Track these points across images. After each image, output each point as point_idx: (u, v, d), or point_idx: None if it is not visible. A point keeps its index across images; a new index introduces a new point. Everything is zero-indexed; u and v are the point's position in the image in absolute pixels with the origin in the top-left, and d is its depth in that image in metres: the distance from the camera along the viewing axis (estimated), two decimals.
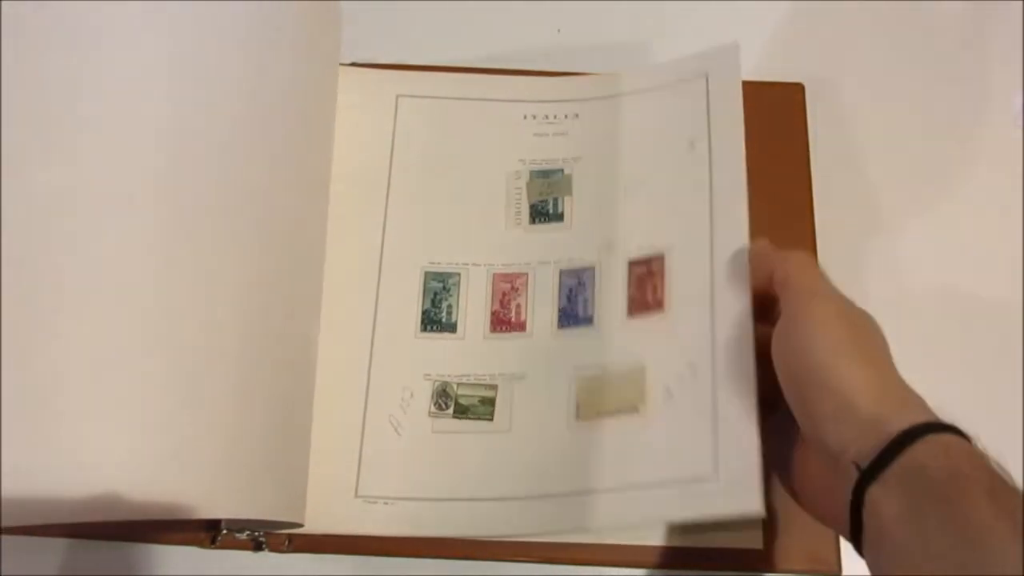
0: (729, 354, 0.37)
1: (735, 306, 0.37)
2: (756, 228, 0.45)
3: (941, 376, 0.44)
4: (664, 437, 0.37)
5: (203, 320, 0.33)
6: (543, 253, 0.44)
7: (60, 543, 0.40)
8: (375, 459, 0.40)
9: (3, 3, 0.33)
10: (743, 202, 0.39)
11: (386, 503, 0.39)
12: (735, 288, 0.38)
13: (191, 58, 0.37)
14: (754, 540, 0.40)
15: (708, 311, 0.38)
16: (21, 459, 0.29)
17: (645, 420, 0.38)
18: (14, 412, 0.29)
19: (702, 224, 0.40)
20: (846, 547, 0.40)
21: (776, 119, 0.48)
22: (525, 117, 0.47)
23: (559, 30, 0.51)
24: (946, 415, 0.43)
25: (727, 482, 0.34)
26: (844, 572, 0.40)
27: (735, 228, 0.39)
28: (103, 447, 0.30)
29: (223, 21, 0.38)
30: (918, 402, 0.32)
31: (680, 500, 0.35)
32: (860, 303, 0.45)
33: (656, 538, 0.40)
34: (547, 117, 0.47)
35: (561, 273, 0.43)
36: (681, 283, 0.40)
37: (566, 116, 0.47)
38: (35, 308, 0.31)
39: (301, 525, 0.36)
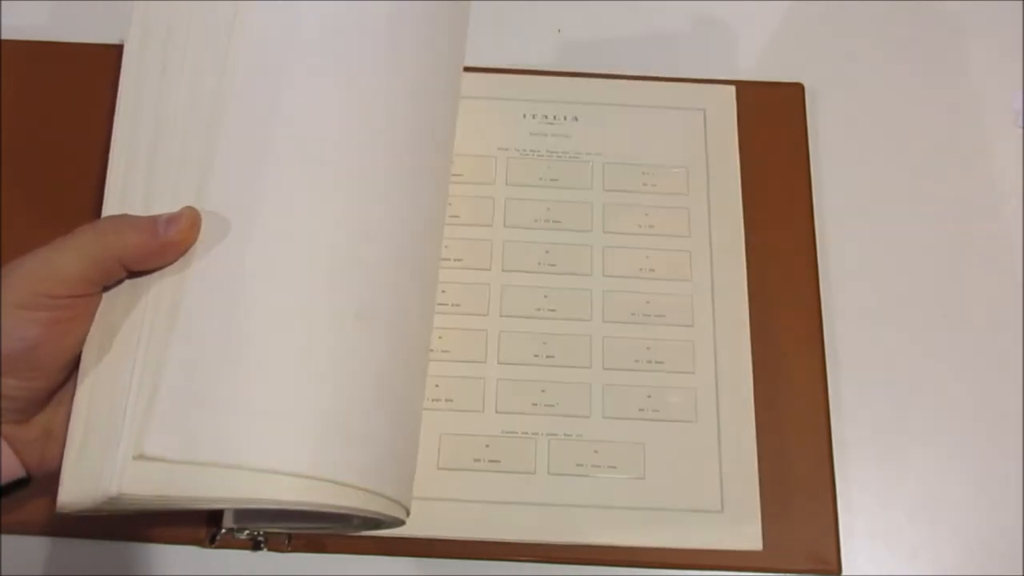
0: (732, 398, 0.42)
1: (737, 349, 0.43)
2: (756, 229, 0.45)
3: (942, 376, 0.45)
4: (673, 466, 0.41)
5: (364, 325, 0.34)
6: None
7: (60, 543, 0.40)
8: None
9: None
10: (740, 244, 0.45)
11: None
12: (736, 332, 0.43)
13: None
14: (753, 541, 0.40)
15: (712, 360, 0.43)
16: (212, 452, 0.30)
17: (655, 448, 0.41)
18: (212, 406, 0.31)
19: (703, 266, 0.44)
20: (846, 547, 0.40)
21: (776, 119, 0.48)
22: (524, 116, 0.47)
23: (559, 30, 0.51)
24: (949, 416, 0.44)
25: (732, 518, 0.40)
26: (844, 572, 0.40)
27: (734, 271, 0.44)
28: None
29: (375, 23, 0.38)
30: None
31: (687, 527, 0.40)
32: (860, 303, 0.46)
33: (657, 539, 0.40)
34: (546, 117, 0.47)
35: None
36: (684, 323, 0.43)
37: (565, 118, 0.47)
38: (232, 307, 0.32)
39: (403, 523, 0.36)
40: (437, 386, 0.42)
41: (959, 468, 0.43)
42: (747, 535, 0.40)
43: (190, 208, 0.33)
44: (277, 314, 0.32)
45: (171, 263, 0.32)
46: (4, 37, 0.48)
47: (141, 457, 0.29)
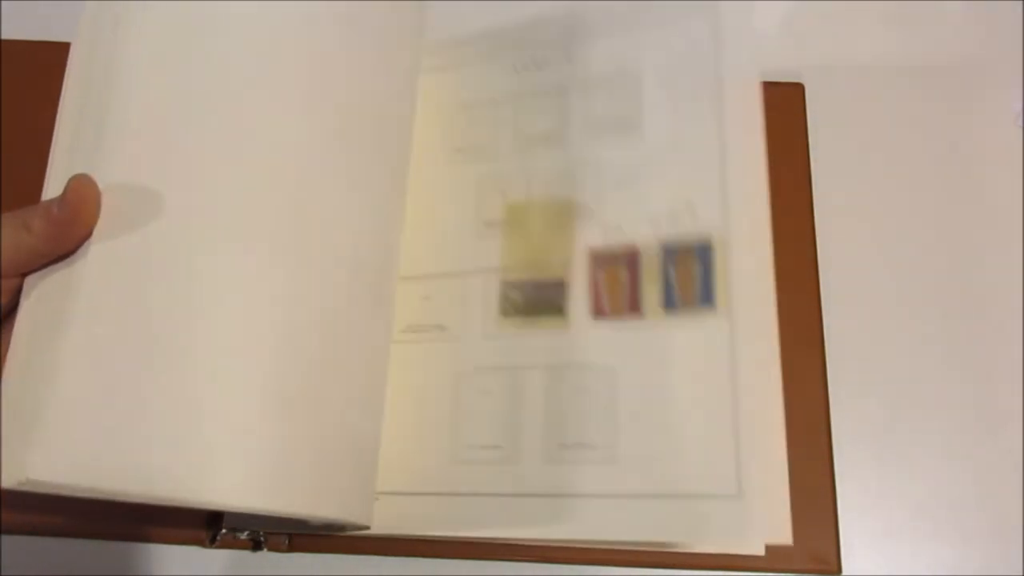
0: (753, 365, 0.35)
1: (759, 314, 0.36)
2: None
3: (942, 375, 0.44)
4: (686, 453, 0.35)
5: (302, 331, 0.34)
6: None
7: (60, 543, 0.40)
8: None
9: None
10: (764, 184, 0.37)
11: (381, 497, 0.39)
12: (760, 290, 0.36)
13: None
14: (756, 546, 0.39)
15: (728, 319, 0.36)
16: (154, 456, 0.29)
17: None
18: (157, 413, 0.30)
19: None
20: (846, 547, 0.40)
21: (776, 119, 0.48)
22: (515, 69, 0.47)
23: None
24: (949, 416, 0.44)
25: (751, 504, 0.33)
26: (844, 572, 0.40)
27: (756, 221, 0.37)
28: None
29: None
30: None
31: (693, 517, 0.34)
32: (859, 303, 0.46)
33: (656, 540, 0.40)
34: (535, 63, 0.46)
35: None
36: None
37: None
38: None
39: (368, 527, 0.36)
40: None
41: (959, 468, 0.43)
42: (772, 526, 0.34)
43: (77, 177, 0.31)
44: (208, 298, 0.31)
45: (82, 240, 0.31)
46: (4, 37, 0.48)
47: (52, 446, 0.28)
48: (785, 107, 0.48)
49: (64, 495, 0.29)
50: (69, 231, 0.31)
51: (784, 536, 0.32)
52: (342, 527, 0.35)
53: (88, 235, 0.31)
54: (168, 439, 0.30)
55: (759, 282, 0.36)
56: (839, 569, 0.40)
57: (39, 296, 0.31)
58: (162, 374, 0.30)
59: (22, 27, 0.49)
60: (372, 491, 0.36)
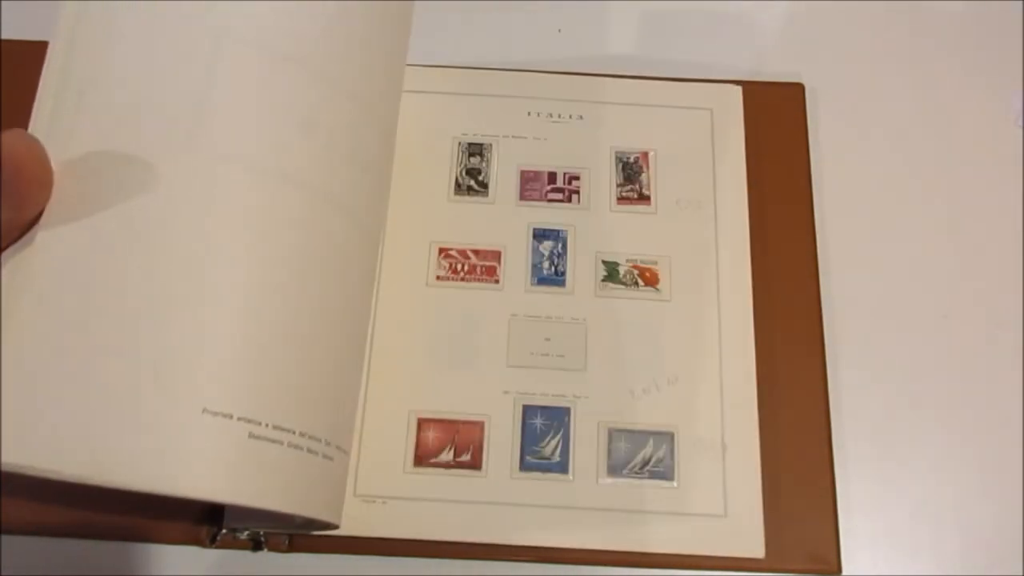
0: (736, 413, 0.41)
1: (742, 372, 0.42)
2: (755, 228, 0.45)
3: (942, 376, 0.45)
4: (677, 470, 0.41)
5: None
6: None
7: (60, 543, 0.40)
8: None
9: None
10: (745, 244, 0.44)
11: (384, 502, 0.39)
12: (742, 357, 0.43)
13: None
14: (756, 548, 0.40)
15: (718, 383, 0.42)
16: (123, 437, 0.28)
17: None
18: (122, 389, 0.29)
19: (709, 266, 0.44)
20: (846, 547, 0.40)
21: (776, 119, 0.48)
22: (529, 114, 0.47)
23: (559, 30, 0.51)
24: (949, 415, 0.44)
25: (734, 524, 0.40)
26: (844, 572, 0.40)
27: (739, 273, 0.44)
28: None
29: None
30: None
31: (690, 533, 0.40)
32: (860, 304, 0.46)
33: (657, 540, 0.40)
34: (551, 115, 0.47)
35: None
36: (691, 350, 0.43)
37: (570, 116, 0.47)
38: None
39: (337, 527, 0.36)
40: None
41: (959, 468, 0.43)
42: (749, 543, 0.39)
43: (4, 133, 0.30)
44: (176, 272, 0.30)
45: (41, 198, 0.30)
46: (4, 37, 0.48)
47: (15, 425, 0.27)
48: (785, 107, 0.48)
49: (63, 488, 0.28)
50: (20, 189, 0.29)
51: (759, 551, 0.39)
52: (325, 526, 0.35)
53: (45, 189, 0.30)
54: (128, 425, 0.28)
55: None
56: (839, 569, 0.40)
57: (7, 272, 0.30)
58: (123, 357, 0.29)
59: (22, 27, 0.49)
60: (343, 491, 0.36)
